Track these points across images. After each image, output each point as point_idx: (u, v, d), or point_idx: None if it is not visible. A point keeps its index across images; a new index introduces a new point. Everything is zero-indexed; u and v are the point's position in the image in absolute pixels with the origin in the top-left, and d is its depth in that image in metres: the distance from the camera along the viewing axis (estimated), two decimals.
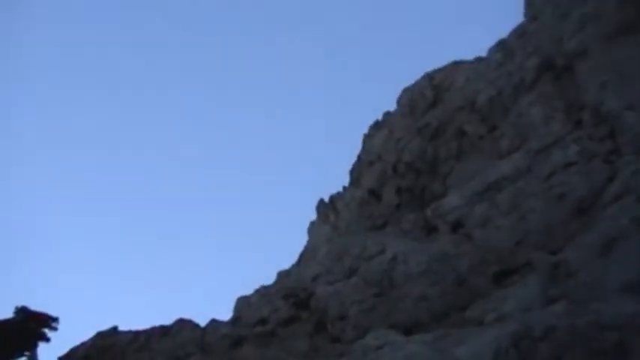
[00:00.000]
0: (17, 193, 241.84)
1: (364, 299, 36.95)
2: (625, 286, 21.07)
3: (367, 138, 63.00)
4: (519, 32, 51.31)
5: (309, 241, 63.61)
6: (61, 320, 53.58)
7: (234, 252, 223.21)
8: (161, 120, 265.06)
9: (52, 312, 53.85)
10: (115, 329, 51.07)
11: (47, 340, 52.70)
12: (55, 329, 53.01)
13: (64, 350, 51.95)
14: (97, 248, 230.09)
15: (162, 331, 45.19)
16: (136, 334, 47.06)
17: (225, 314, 47.66)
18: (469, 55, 58.61)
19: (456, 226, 39.85)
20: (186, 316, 48.37)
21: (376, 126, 62.55)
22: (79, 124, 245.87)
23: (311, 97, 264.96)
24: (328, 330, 37.86)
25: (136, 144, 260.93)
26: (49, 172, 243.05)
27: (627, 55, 38.45)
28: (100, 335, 49.97)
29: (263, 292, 46.29)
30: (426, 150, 51.64)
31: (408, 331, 29.87)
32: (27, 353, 51.66)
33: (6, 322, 51.77)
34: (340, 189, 64.36)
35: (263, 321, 41.77)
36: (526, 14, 52.99)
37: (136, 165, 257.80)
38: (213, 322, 44.09)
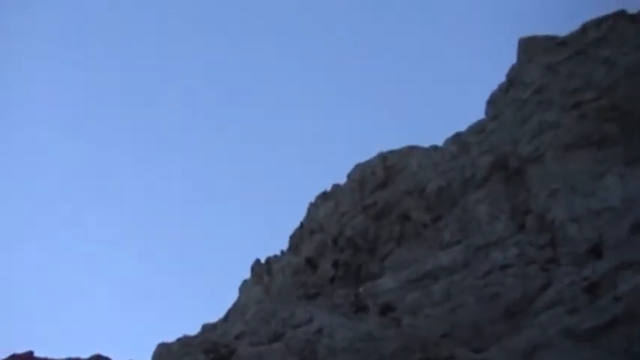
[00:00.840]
0: None
1: None
2: None
3: (312, 207, 63.13)
4: (478, 129, 52.04)
5: (239, 299, 63.29)
6: None
7: (162, 296, 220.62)
8: None
9: None
10: (30, 354, 50.23)
11: None
12: None
13: None
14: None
15: None
16: None
17: (144, 357, 47.09)
18: (424, 142, 59.20)
19: (386, 309, 39.98)
20: (104, 353, 47.75)
21: (323, 196, 62.74)
22: None
23: (263, 155, 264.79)
24: None
25: None
26: None
27: (580, 169, 39.22)
28: (15, 358, 49.15)
29: (185, 341, 45.85)
30: (368, 228, 51.89)
31: None
32: None
33: None
34: (278, 252, 64.31)
35: None
36: (487, 112, 53.81)
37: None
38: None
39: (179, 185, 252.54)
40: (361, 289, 43.34)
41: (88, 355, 45.10)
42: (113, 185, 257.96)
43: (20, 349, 47.95)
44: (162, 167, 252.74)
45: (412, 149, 58.47)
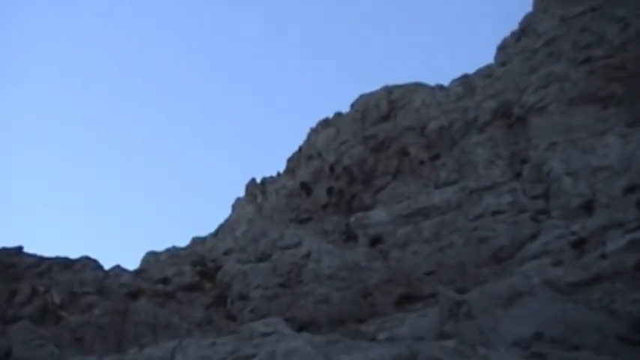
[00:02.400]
0: None
1: (269, 286, 37.28)
2: (516, 341, 21.63)
3: (313, 132, 63.10)
4: (486, 73, 51.88)
5: (230, 215, 63.71)
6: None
7: (157, 207, 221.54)
8: None
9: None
10: (20, 249, 50.65)
11: None
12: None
13: None
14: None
15: (65, 264, 44.91)
16: (39, 260, 46.69)
17: (131, 265, 47.54)
18: (431, 80, 59.10)
19: (375, 241, 40.31)
20: (93, 255, 48.21)
21: (325, 123, 62.67)
22: None
23: (272, 80, 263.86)
24: (227, 306, 38.09)
25: None
26: None
27: (582, 124, 39.21)
28: (4, 251, 49.54)
29: (173, 252, 46.29)
30: (366, 159, 52.01)
31: (302, 328, 30.17)
32: None
33: None
34: (274, 174, 64.52)
35: (165, 280, 41.79)
36: (496, 58, 53.62)
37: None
38: (117, 268, 43.95)
39: (183, 98, 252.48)
40: (352, 219, 43.61)
41: (76, 256, 45.65)
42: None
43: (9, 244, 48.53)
44: (167, 79, 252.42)
45: (418, 86, 58.36)
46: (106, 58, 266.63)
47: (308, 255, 38.65)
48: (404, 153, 50.30)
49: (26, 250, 49.30)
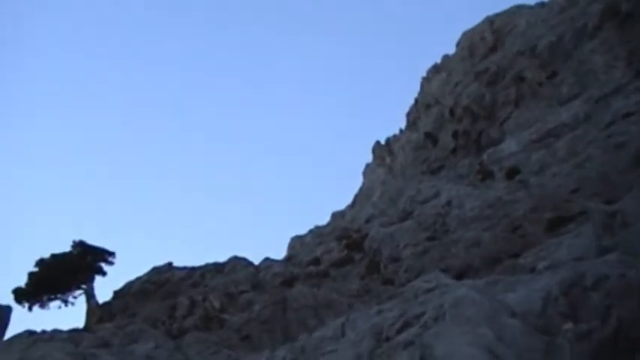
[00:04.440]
0: None
1: (417, 242, 37.00)
2: None
3: (425, 81, 62.56)
4: None
5: (363, 183, 63.76)
6: (117, 255, 54.58)
7: (289, 192, 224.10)
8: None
9: (107, 246, 54.81)
10: (170, 265, 51.83)
11: (103, 273, 53.71)
12: (112, 263, 54.01)
13: (119, 284, 52.93)
14: (153, 186, 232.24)
15: (216, 268, 45.72)
16: (190, 270, 47.69)
17: (279, 253, 48.10)
18: (530, 0, 57.76)
19: (512, 173, 39.53)
20: (240, 254, 48.92)
21: (434, 69, 62.06)
22: None
23: (370, 39, 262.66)
24: (380, 272, 38.02)
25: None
26: None
27: None
28: (156, 270, 50.72)
29: (317, 232, 46.58)
30: (484, 95, 51.15)
31: (460, 275, 29.82)
32: (83, 286, 52.69)
33: (64, 255, 52.80)
34: (396, 132, 64.23)
35: (316, 261, 42.06)
36: None
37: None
38: (267, 261, 44.50)
39: (299, 77, 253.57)
40: (484, 156, 42.93)
41: (225, 259, 46.44)
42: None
43: (159, 262, 49.68)
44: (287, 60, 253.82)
45: (519, 9, 57.12)
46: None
47: (449, 203, 38.22)
48: (520, 79, 49.25)
49: (175, 264, 50.60)
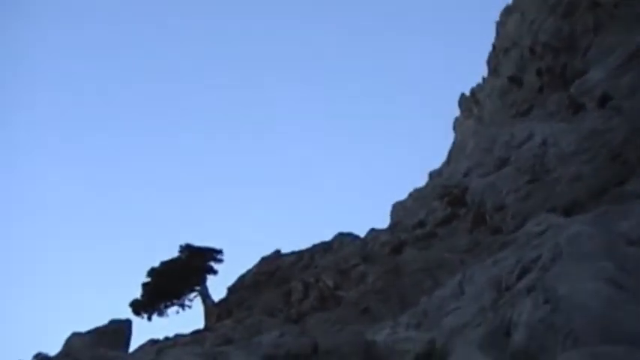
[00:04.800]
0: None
1: (519, 187, 36.47)
2: None
3: (500, 25, 61.62)
4: None
5: (455, 138, 63.26)
6: (224, 252, 55.23)
7: (384, 159, 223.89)
8: None
9: (214, 245, 55.46)
10: (277, 252, 52.24)
11: (214, 272, 54.43)
12: (221, 261, 54.72)
13: (231, 280, 53.56)
14: (246, 174, 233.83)
15: (324, 248, 45.91)
16: (299, 254, 47.96)
17: (383, 222, 48.00)
18: None
19: (603, 100, 38.59)
20: (344, 230, 49.02)
21: (507, 11, 61.04)
22: None
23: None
24: (487, 223, 37.62)
25: None
26: None
27: None
28: (265, 260, 51.17)
29: (417, 195, 46.36)
30: (561, 28, 50.02)
31: (567, 212, 29.30)
32: (197, 288, 53.48)
33: (173, 261, 53.70)
34: (480, 81, 63.50)
35: (421, 223, 41.87)
36: None
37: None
38: (372, 231, 44.49)
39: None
40: (572, 89, 42.01)
41: (330, 238, 46.62)
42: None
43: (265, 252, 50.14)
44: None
45: None
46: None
47: (544, 142, 37.57)
48: (595, 4, 48.02)
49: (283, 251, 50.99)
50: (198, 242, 55.59)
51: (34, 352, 49.41)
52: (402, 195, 50.00)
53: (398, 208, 47.31)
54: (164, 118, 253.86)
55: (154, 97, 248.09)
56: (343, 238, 46.91)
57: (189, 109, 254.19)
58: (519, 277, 17.48)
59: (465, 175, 42.80)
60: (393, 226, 44.51)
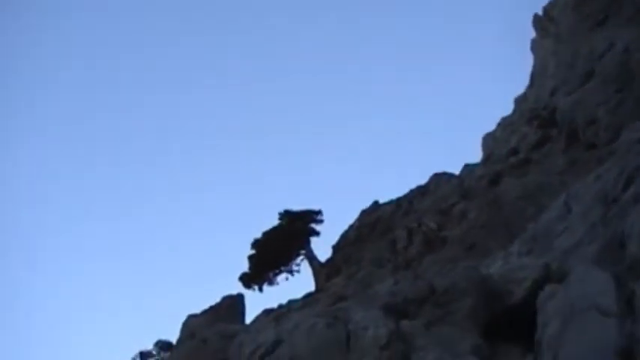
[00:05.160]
0: None
1: (608, 98, 35.77)
2: None
3: None
4: None
5: (535, 60, 62.13)
6: (323, 212, 55.55)
7: (467, 93, 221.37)
8: None
9: (312, 207, 55.81)
10: (376, 203, 52.34)
11: (317, 233, 54.83)
12: (321, 222, 55.07)
13: (335, 238, 53.87)
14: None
15: (421, 191, 45.82)
16: (397, 202, 47.96)
17: (475, 157, 47.68)
18: None
19: None
20: (438, 170, 48.83)
21: None
22: None
23: None
24: (580, 140, 37.02)
25: None
26: None
27: None
28: (365, 213, 51.32)
29: (505, 123, 45.90)
30: None
31: None
32: (302, 251, 53.97)
33: (274, 229, 54.21)
34: None
35: (514, 151, 41.47)
36: None
37: None
38: (467, 167, 44.25)
39: None
40: None
41: (425, 181, 46.31)
42: None
43: (364, 204, 50.04)
44: None
45: None
46: None
47: (626, 49, 36.73)
48: None
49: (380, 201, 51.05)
50: (296, 207, 56.02)
51: (154, 340, 51.01)
52: (491, 126, 49.58)
53: (488, 140, 46.86)
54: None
55: None
56: (439, 178, 46.72)
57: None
58: (625, 188, 17.26)
59: (551, 95, 42.16)
60: (486, 159, 44.17)
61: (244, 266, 54.88)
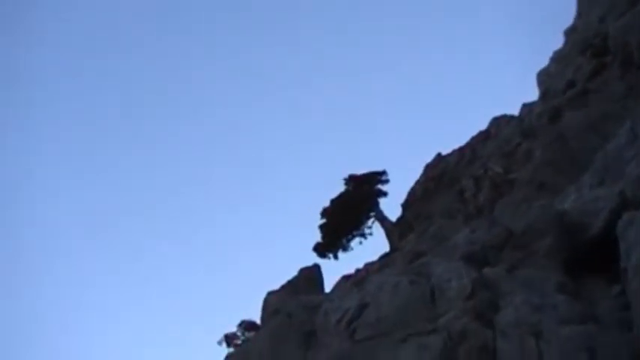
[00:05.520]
0: None
1: None
2: None
3: None
4: None
5: None
6: (387, 171, 55.59)
7: (515, 31, 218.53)
8: None
9: (375, 168, 55.86)
10: (439, 155, 52.23)
11: (384, 194, 54.90)
12: (387, 182, 55.12)
13: (403, 195, 53.88)
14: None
15: (482, 137, 45.57)
16: (460, 151, 47.80)
17: (532, 95, 47.18)
18: None
19: None
20: (496, 114, 48.53)
21: None
22: None
23: None
24: (635, 63, 36.45)
25: None
26: None
27: None
28: (429, 167, 51.27)
29: (558, 57, 45.31)
30: None
31: None
32: (372, 214, 54.11)
33: (342, 195, 54.41)
34: None
35: (570, 84, 40.94)
36: None
37: None
38: (525, 106, 43.88)
39: None
40: None
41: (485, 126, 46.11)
42: None
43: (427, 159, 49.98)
44: None
45: None
46: None
47: None
48: None
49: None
50: (359, 171, 56.12)
51: (237, 322, 51.46)
52: (544, 62, 48.95)
53: (543, 76, 46.23)
54: None
55: None
56: (498, 121, 46.44)
57: None
58: None
59: (601, 22, 41.44)
60: (543, 95, 43.63)
61: (316, 237, 55.18)
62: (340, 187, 55.48)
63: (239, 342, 49.05)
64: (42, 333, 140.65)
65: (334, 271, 52.83)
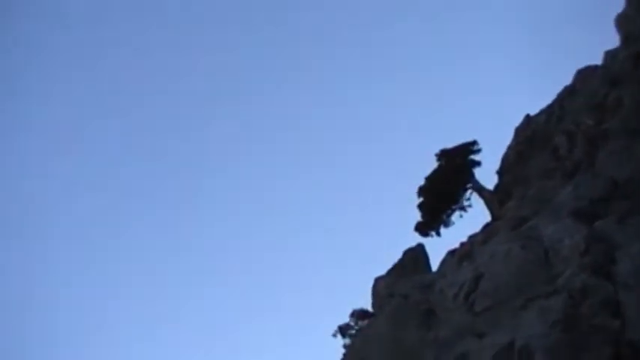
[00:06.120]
0: None
1: None
2: None
3: None
4: None
5: None
6: (478, 141, 55.18)
7: None
8: None
9: (465, 139, 55.48)
10: (527, 116, 51.71)
11: (478, 164, 54.48)
12: (479, 151, 54.63)
13: (497, 163, 53.49)
14: None
15: (568, 91, 44.99)
16: (548, 110, 47.23)
17: (613, 42, 46.44)
18: None
19: None
20: (577, 66, 47.88)
21: None
22: None
23: None
24: None
25: None
26: None
27: None
28: (519, 130, 50.81)
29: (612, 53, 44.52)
30: None
31: None
32: (469, 185, 53.78)
33: (435, 172, 54.21)
34: None
35: None
36: None
37: None
38: (608, 53, 43.22)
39: None
40: None
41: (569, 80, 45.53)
42: None
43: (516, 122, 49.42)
44: None
45: None
46: None
47: None
48: None
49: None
50: (450, 144, 55.78)
51: (348, 312, 51.69)
52: (619, 7, 48.03)
53: (621, 21, 45.28)
54: None
55: None
56: (582, 74, 45.68)
57: None
58: None
59: None
60: (624, 41, 42.85)
61: (416, 216, 55.08)
62: (433, 164, 55.28)
63: (353, 332, 49.34)
64: None
65: (438, 248, 52.62)
